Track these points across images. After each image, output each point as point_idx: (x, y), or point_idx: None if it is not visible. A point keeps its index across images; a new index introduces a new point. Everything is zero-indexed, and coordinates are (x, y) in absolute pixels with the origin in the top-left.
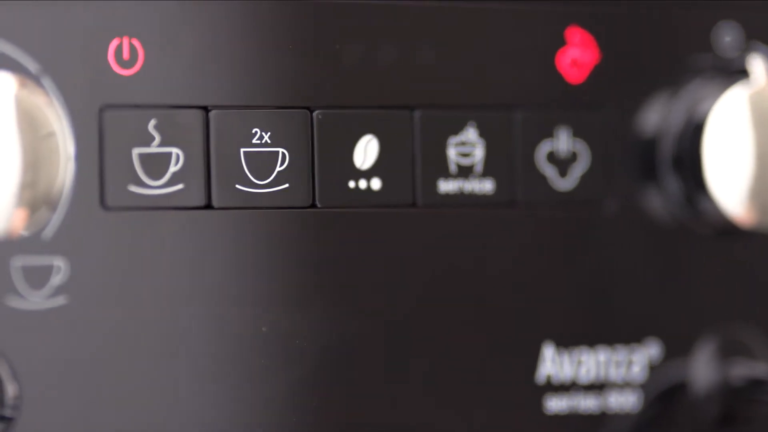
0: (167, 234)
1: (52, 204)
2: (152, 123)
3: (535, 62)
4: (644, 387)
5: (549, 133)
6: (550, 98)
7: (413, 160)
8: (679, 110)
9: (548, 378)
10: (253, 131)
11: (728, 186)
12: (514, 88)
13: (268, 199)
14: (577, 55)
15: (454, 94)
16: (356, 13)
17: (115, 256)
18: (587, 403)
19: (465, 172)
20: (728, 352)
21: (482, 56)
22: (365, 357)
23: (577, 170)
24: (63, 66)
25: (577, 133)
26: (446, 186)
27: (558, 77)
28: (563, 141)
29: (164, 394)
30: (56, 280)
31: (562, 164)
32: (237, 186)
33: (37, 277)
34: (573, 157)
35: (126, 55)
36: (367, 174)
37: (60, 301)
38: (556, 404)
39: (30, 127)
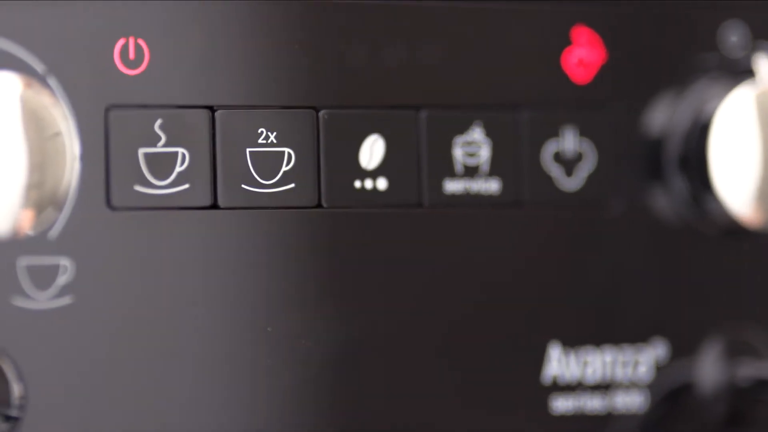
0: (173, 234)
1: (58, 204)
2: (158, 123)
3: (541, 62)
4: (651, 387)
5: (555, 133)
6: (556, 98)
7: (419, 160)
8: (685, 110)
9: (554, 378)
10: (259, 131)
11: (734, 186)
12: (520, 87)
13: (273, 199)
14: (583, 55)
15: (460, 93)
16: (362, 12)
17: (120, 256)
18: (593, 404)
19: (471, 172)
20: (735, 352)
21: (488, 56)
22: (370, 357)
23: (584, 170)
24: (69, 66)
25: (583, 133)
26: (452, 186)
27: (564, 77)
28: (569, 141)
29: (169, 394)
30: (62, 280)
31: (569, 164)
32: (243, 186)
33: (43, 277)
34: (579, 157)
35: (132, 55)
36: (373, 174)
37: (66, 301)
38: (562, 405)
39: (36, 127)
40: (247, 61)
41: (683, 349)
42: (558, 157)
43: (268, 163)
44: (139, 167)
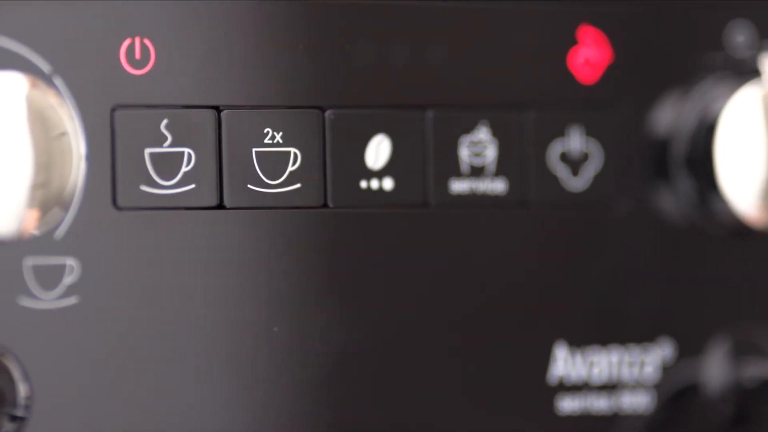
0: (179, 234)
1: (64, 204)
2: (164, 123)
3: (547, 62)
4: (657, 387)
5: (561, 133)
6: (562, 98)
7: (425, 159)
8: (691, 110)
9: (560, 378)
10: (265, 131)
11: (740, 186)
12: (526, 87)
13: (279, 199)
14: (590, 55)
15: (466, 93)
16: (368, 12)
17: (126, 256)
18: (599, 404)
19: (477, 171)
20: (741, 352)
21: (494, 56)
22: (375, 357)
23: (590, 170)
24: (75, 66)
25: (589, 133)
26: (458, 186)
27: (570, 77)
28: (576, 141)
29: (174, 394)
30: (68, 280)
31: (575, 164)
32: (249, 186)
33: (49, 277)
34: (585, 157)
35: (138, 54)
36: (379, 174)
37: (72, 301)
38: (568, 405)
39: (42, 127)
40: (253, 61)
41: (690, 349)
42: (564, 157)
43: (274, 163)
44: (145, 167)
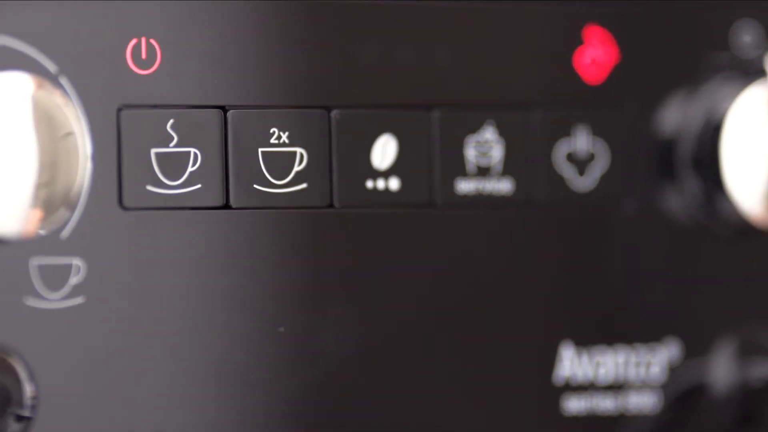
0: (185, 234)
1: (70, 204)
2: (170, 123)
3: (554, 62)
4: (663, 388)
5: (568, 133)
6: (568, 98)
7: (431, 159)
8: (698, 110)
9: (566, 379)
10: (271, 131)
11: (747, 186)
12: (532, 87)
13: (286, 199)
14: (596, 55)
15: (472, 93)
16: (374, 13)
17: (132, 256)
18: (606, 404)
19: (483, 171)
20: (747, 352)
21: (500, 56)
22: (381, 357)
23: (596, 170)
24: (81, 66)
25: (596, 133)
26: (464, 186)
27: (576, 77)
28: (582, 141)
29: (181, 394)
30: (74, 280)
31: (581, 164)
32: (255, 186)
33: (55, 277)
34: (592, 157)
35: (144, 54)
36: (386, 174)
37: (78, 300)
38: (574, 405)
39: (48, 127)
40: (259, 61)
41: (696, 349)
42: (570, 157)
43: (280, 163)
44: (152, 167)
